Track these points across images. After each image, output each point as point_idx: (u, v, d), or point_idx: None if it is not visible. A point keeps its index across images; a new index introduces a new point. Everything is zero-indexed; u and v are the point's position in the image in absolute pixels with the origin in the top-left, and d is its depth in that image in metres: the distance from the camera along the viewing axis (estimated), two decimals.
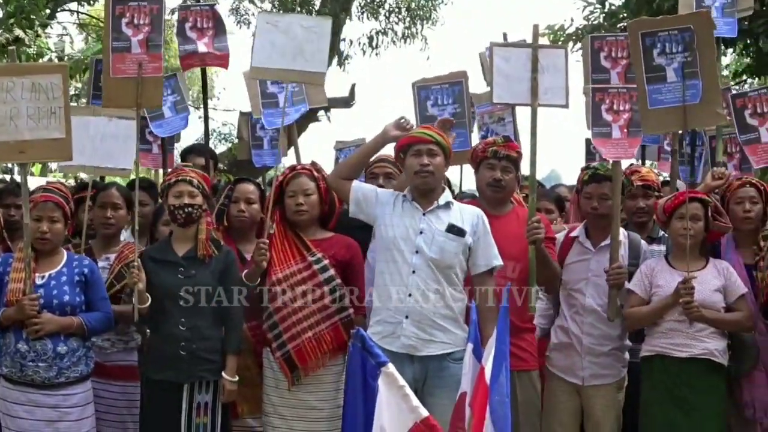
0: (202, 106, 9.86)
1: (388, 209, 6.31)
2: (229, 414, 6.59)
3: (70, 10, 19.89)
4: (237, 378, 6.45)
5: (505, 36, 7.56)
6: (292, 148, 9.65)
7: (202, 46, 8.26)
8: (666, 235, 7.06)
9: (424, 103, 7.72)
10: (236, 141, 17.30)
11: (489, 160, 6.65)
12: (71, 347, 6.26)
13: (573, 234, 7.03)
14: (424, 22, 21.64)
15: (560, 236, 7.05)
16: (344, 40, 20.42)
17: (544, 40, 7.94)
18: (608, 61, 7.14)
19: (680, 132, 8.79)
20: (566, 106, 6.90)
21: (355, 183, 6.51)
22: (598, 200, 6.83)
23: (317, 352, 6.44)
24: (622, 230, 6.89)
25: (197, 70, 9.88)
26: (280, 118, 8.16)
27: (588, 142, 10.52)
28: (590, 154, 10.59)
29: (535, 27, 6.93)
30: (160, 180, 8.80)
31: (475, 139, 7.94)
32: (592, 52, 7.15)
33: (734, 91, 7.07)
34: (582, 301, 6.81)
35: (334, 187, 6.60)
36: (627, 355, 6.91)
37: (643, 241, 7.05)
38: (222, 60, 8.77)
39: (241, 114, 9.92)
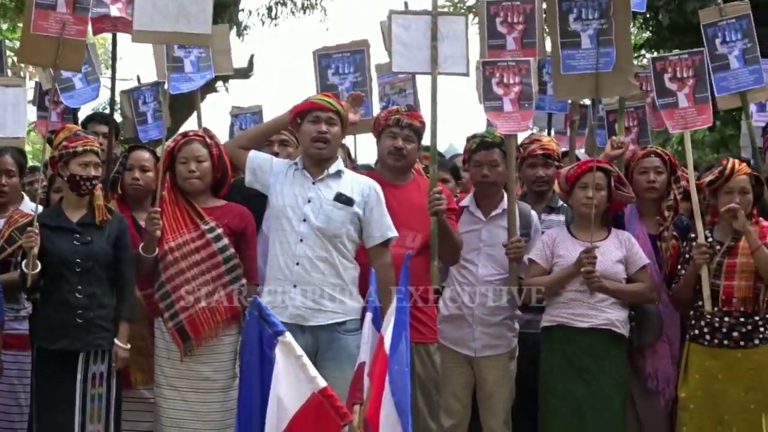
0: (102, 75, 9.60)
1: (281, 178, 6.21)
2: (122, 384, 6.44)
3: None
4: (129, 345, 6.31)
5: (406, 5, 7.44)
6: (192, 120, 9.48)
7: (114, 10, 7.98)
8: (565, 205, 7.04)
9: (325, 72, 7.62)
10: None
11: (391, 129, 6.55)
12: None
13: (463, 203, 6.97)
14: None
15: None
16: (243, 10, 20.17)
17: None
18: (504, 27, 7.16)
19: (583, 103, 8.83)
20: (467, 74, 6.83)
21: (252, 152, 6.37)
22: (488, 167, 6.79)
23: (210, 323, 6.30)
24: None
25: (96, 42, 9.63)
26: (185, 83, 7.99)
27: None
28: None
29: None
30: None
31: (377, 109, 7.82)
32: (488, 18, 7.16)
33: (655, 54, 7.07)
34: (474, 272, 6.77)
35: (231, 156, 6.46)
36: (517, 325, 6.90)
37: (533, 211, 7.04)
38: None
39: (122, 92, 9.68)
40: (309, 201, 6.08)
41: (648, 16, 14.96)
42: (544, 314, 6.63)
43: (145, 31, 6.87)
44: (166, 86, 7.60)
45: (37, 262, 6.13)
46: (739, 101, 7.56)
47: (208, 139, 6.57)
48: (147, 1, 6.76)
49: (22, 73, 14.36)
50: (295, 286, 5.99)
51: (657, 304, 6.72)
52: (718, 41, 7.37)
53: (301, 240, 6.01)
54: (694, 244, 6.47)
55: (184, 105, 10.11)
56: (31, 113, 9.44)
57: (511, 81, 6.84)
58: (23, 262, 6.16)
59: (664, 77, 6.85)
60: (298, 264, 6.00)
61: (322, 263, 6.01)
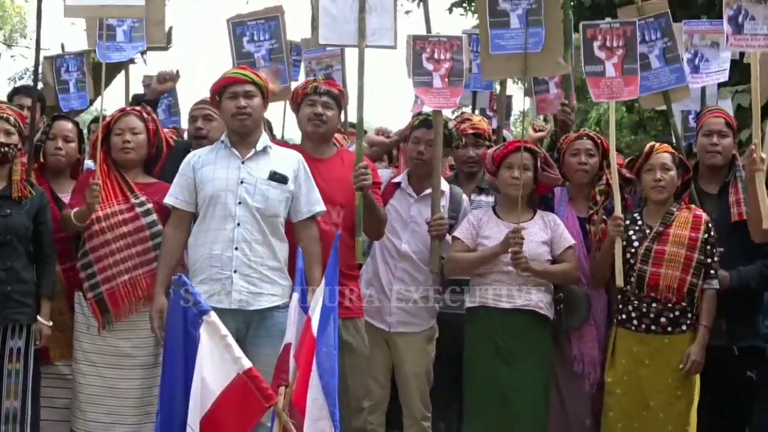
0: (16, 44, 9.38)
1: (207, 164, 6.06)
2: (40, 360, 6.35)
3: None
4: (51, 323, 6.23)
5: None
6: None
7: None
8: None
9: (240, 40, 7.47)
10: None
11: (310, 97, 6.48)
12: None
13: (395, 180, 6.96)
14: None
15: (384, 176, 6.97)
16: None
17: None
18: None
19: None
20: (394, 47, 6.76)
21: (175, 203, 6.09)
22: (425, 146, 6.77)
23: (131, 297, 6.23)
24: (444, 182, 6.85)
25: (9, 10, 9.43)
26: (116, 52, 7.85)
27: None
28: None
29: None
30: None
31: (298, 78, 7.75)
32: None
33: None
34: (398, 246, 6.76)
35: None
36: (437, 307, 6.88)
37: (464, 195, 7.02)
38: None
39: (45, 58, 9.51)
40: (242, 182, 5.97)
41: None
42: (468, 295, 6.60)
43: (77, 5, 6.76)
44: (95, 55, 7.48)
45: None
46: (662, 100, 7.61)
47: (145, 114, 6.52)
48: None
49: None
50: (235, 271, 5.89)
51: (585, 287, 6.72)
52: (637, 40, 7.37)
53: (238, 224, 5.90)
54: (609, 220, 6.51)
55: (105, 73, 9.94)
56: None
57: (442, 57, 6.77)
58: None
59: (593, 45, 6.82)
60: (236, 249, 5.90)
61: (259, 246, 5.93)
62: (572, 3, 15.90)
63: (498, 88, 8.79)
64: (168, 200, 6.09)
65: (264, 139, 6.15)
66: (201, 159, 6.11)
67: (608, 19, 7.27)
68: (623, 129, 22.44)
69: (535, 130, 7.34)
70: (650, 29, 7.38)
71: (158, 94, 7.82)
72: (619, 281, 6.37)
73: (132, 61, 8.98)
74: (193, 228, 6.11)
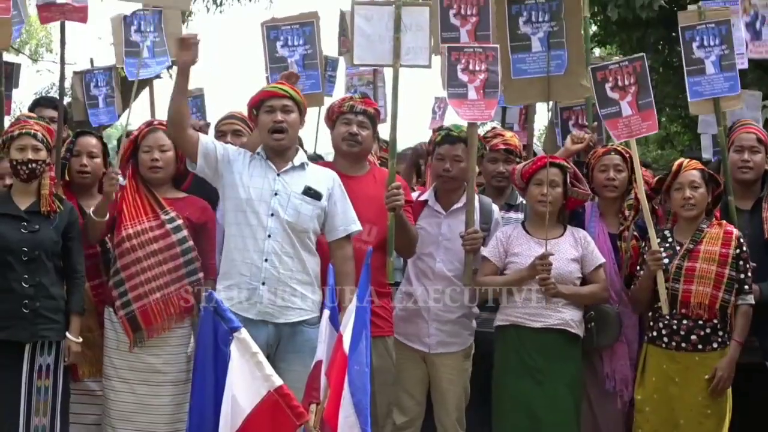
0: (41, 59, 9.42)
1: (238, 167, 6.05)
2: (69, 377, 6.33)
3: None
4: (81, 339, 6.21)
5: None
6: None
7: None
8: (524, 202, 6.97)
9: (274, 44, 7.44)
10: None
11: (345, 115, 6.46)
12: None
13: (423, 197, 6.90)
14: None
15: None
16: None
17: None
18: (458, 19, 7.02)
19: None
20: (429, 66, 6.71)
21: (202, 136, 6.17)
22: (450, 161, 6.69)
23: (163, 315, 6.21)
24: None
25: (36, 24, 9.48)
26: (142, 68, 7.87)
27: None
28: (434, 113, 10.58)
29: None
30: None
31: (332, 87, 7.73)
32: (441, 10, 7.02)
33: (594, 65, 6.95)
34: (432, 266, 6.68)
35: (176, 142, 6.25)
36: (474, 324, 6.82)
37: (494, 205, 6.96)
38: (81, 13, 8.34)
39: (75, 73, 9.55)
40: (276, 194, 5.95)
41: (596, 10, 14.98)
42: (498, 313, 6.56)
43: None
44: (126, 72, 7.49)
45: None
46: (711, 107, 7.47)
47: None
48: None
49: None
50: (263, 283, 5.86)
51: (617, 305, 6.67)
52: (695, 45, 7.28)
53: (269, 236, 5.88)
54: (647, 250, 6.45)
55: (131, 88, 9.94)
56: None
57: (477, 68, 6.67)
58: None
59: (605, 87, 6.75)
60: (266, 260, 5.87)
61: (289, 259, 5.90)
62: (599, 17, 15.90)
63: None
64: (201, 135, 6.14)
65: (301, 156, 6.15)
66: (240, 158, 6.10)
67: (616, 59, 7.20)
68: (650, 144, 22.39)
69: (574, 142, 7.26)
70: (710, 35, 7.27)
71: (187, 65, 7.54)
72: (665, 309, 6.31)
73: (157, 75, 8.98)
74: (225, 231, 6.10)
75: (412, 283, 6.73)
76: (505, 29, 6.76)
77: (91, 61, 10.04)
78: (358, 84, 8.64)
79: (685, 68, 7.26)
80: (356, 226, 6.09)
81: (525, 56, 6.72)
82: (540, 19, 6.71)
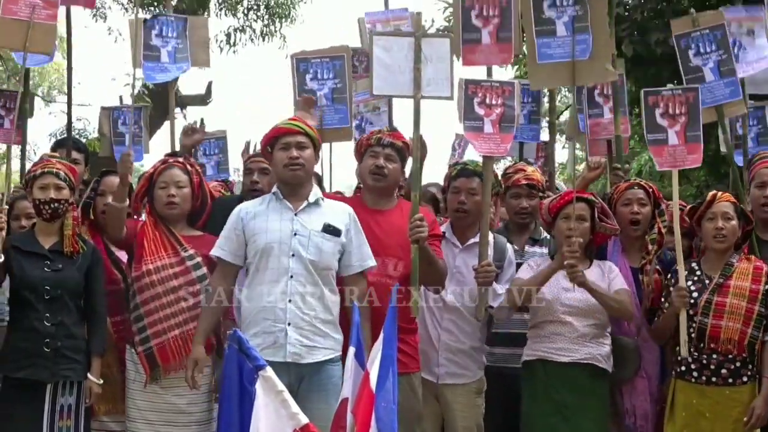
0: (54, 101, 9.42)
1: (252, 221, 5.97)
2: (89, 416, 6.29)
3: None
4: (102, 381, 6.18)
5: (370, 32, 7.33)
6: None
7: None
8: (548, 237, 6.95)
9: (303, 77, 7.43)
10: (91, 136, 16.75)
11: (373, 148, 6.42)
12: None
13: (440, 229, 6.82)
14: (283, 20, 21.33)
15: None
16: (208, 16, 20.01)
17: None
18: (479, 20, 7.05)
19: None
20: (450, 97, 6.61)
21: (233, 259, 6.01)
22: (465, 195, 6.69)
23: (182, 352, 6.14)
24: None
25: (48, 67, 9.47)
26: (160, 73, 7.84)
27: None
28: (454, 149, 10.55)
29: (418, 15, 6.70)
30: (13, 155, 8.40)
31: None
32: (462, 11, 7.08)
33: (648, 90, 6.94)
34: (443, 297, 6.63)
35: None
36: (484, 359, 6.79)
37: (509, 244, 6.91)
38: None
39: (103, 109, 9.55)
40: (295, 234, 5.89)
41: None
42: (525, 348, 6.52)
43: None
44: (143, 75, 7.50)
45: (2, 254, 6.00)
46: (714, 115, 7.44)
47: (188, 166, 6.45)
48: None
49: None
50: (289, 324, 5.79)
51: (636, 339, 6.61)
52: (691, 53, 7.30)
53: (292, 276, 5.82)
54: (673, 288, 6.39)
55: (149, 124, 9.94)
56: None
57: (494, 102, 6.67)
58: None
59: (655, 112, 6.73)
60: (290, 301, 5.81)
61: (312, 299, 5.84)
62: (613, 54, 15.88)
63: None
64: (215, 252, 6.02)
65: (316, 192, 6.09)
66: (251, 211, 6.03)
67: (670, 86, 7.21)
68: (665, 179, 22.33)
69: (591, 168, 7.22)
70: (705, 41, 7.30)
71: (188, 148, 7.69)
72: (684, 352, 6.25)
73: (174, 117, 8.90)
74: (246, 281, 6.02)
75: (423, 312, 6.63)
76: (530, 14, 6.74)
77: (120, 99, 10.07)
78: (364, 110, 8.59)
79: (683, 77, 7.26)
80: (371, 261, 6.04)
81: (550, 41, 6.68)
82: (564, 3, 6.67)
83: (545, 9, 6.71)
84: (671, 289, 6.42)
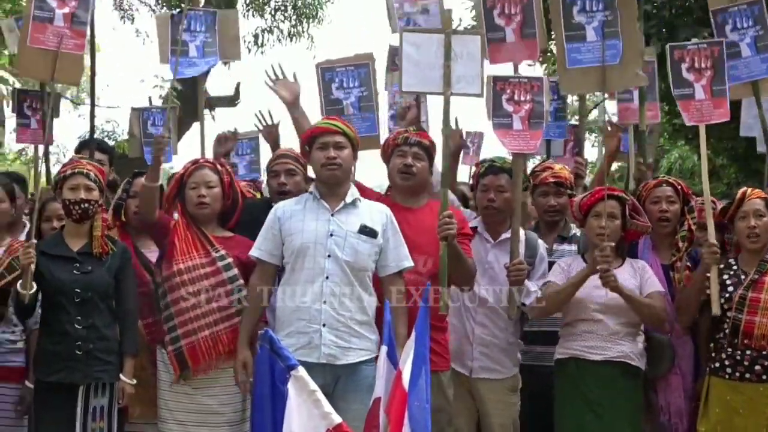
0: (83, 103, 9.44)
1: (288, 221, 5.96)
2: (123, 418, 6.31)
3: None
4: (135, 381, 6.17)
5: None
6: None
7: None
8: (578, 234, 6.94)
9: (329, 86, 7.43)
10: (119, 138, 16.78)
11: (400, 147, 6.39)
12: None
13: (472, 225, 6.79)
14: (311, 20, 21.38)
15: None
16: (237, 10, 20.02)
17: None
18: (502, 18, 7.12)
19: None
20: (480, 95, 6.58)
21: (262, 255, 6.00)
22: (495, 192, 6.68)
23: (212, 353, 6.13)
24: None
25: None
26: (188, 67, 7.84)
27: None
28: (466, 147, 10.56)
29: (448, 12, 6.67)
30: (40, 154, 8.42)
31: (383, 126, 7.69)
32: (485, 11, 7.13)
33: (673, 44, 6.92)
34: (476, 291, 6.61)
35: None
36: (519, 356, 6.77)
37: (540, 240, 6.90)
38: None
39: (133, 110, 9.59)
40: (331, 235, 5.88)
41: None
42: (558, 347, 6.50)
43: None
44: (170, 70, 7.51)
45: (33, 283, 5.96)
46: (750, 91, 7.38)
47: (218, 166, 6.44)
48: None
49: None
50: (324, 324, 5.78)
51: (669, 335, 6.58)
52: (728, 28, 7.26)
53: (327, 277, 5.81)
54: (703, 246, 6.38)
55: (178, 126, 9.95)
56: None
57: (522, 98, 6.66)
58: (18, 283, 5.99)
59: (681, 66, 6.71)
60: (325, 302, 5.79)
61: (348, 300, 5.82)
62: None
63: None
64: (254, 253, 6.01)
65: (353, 192, 6.07)
66: (287, 210, 6.02)
67: (695, 40, 7.15)
68: (695, 177, 22.25)
69: (608, 136, 7.22)
70: (742, 16, 7.24)
71: (221, 156, 7.71)
72: (716, 309, 6.22)
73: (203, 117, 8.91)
74: (284, 279, 6.01)
75: (459, 306, 6.66)
76: (560, 19, 6.74)
77: (150, 99, 10.08)
78: (399, 100, 8.55)
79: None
80: (408, 262, 6.02)
81: (580, 46, 6.71)
82: (594, 9, 6.68)
83: (575, 14, 6.73)
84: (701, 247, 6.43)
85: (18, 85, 9.86)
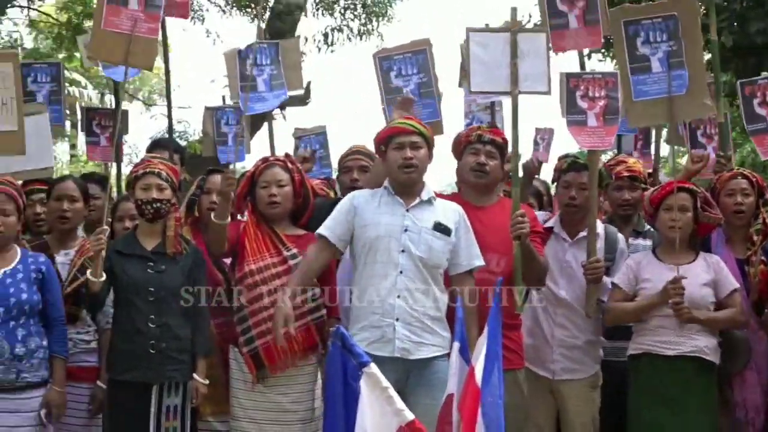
0: (154, 104, 9.48)
1: (363, 212, 5.95)
2: (195, 417, 6.32)
3: (20, 6, 19.43)
4: (208, 381, 6.18)
5: (487, 26, 7.24)
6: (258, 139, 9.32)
7: None
8: (652, 229, 6.87)
9: (387, 75, 7.39)
10: (191, 138, 16.87)
11: (473, 145, 6.36)
12: (29, 348, 5.93)
13: (548, 224, 6.80)
14: (380, 18, 21.35)
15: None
16: (299, 36, 20.05)
17: None
18: (565, 4, 7.14)
19: None
20: (548, 92, 6.53)
21: (333, 239, 5.96)
22: (576, 190, 6.64)
23: (287, 352, 6.12)
24: (598, 223, 6.68)
25: (148, 72, 9.50)
26: (258, 102, 7.87)
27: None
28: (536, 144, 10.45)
29: (513, 10, 6.59)
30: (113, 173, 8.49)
31: (445, 109, 7.66)
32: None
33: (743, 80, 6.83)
34: (555, 292, 6.61)
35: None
36: (601, 352, 6.73)
37: (620, 234, 6.84)
38: (182, 9, 8.35)
39: (206, 109, 9.63)
40: (406, 230, 5.86)
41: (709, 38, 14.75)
42: (631, 342, 6.43)
43: None
44: (241, 106, 7.51)
45: (102, 271, 5.99)
46: None
47: (289, 164, 6.43)
48: None
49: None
50: (397, 319, 5.77)
51: (745, 330, 6.50)
52: None
53: (401, 272, 5.80)
54: None
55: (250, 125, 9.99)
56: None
57: (597, 94, 6.59)
58: (88, 271, 6.03)
59: (753, 103, 6.62)
60: (399, 297, 5.78)
61: (421, 295, 5.81)
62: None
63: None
64: (321, 230, 5.98)
65: (429, 190, 6.05)
66: (363, 200, 6.01)
67: (765, 74, 7.10)
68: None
69: (694, 161, 7.10)
70: None
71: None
72: None
73: (271, 116, 8.96)
74: (354, 274, 6.01)
75: (536, 309, 6.66)
76: (624, 51, 6.66)
77: (223, 98, 10.14)
78: (475, 110, 8.53)
79: None
80: (479, 261, 6.00)
81: (645, 77, 6.60)
82: (658, 39, 6.58)
83: (639, 45, 6.64)
84: None
85: (90, 87, 9.91)
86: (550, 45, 6.84)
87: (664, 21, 6.58)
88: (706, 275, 6.30)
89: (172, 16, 8.11)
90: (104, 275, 5.98)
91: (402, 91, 7.23)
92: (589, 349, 6.64)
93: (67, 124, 10.05)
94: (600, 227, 6.68)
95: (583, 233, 6.61)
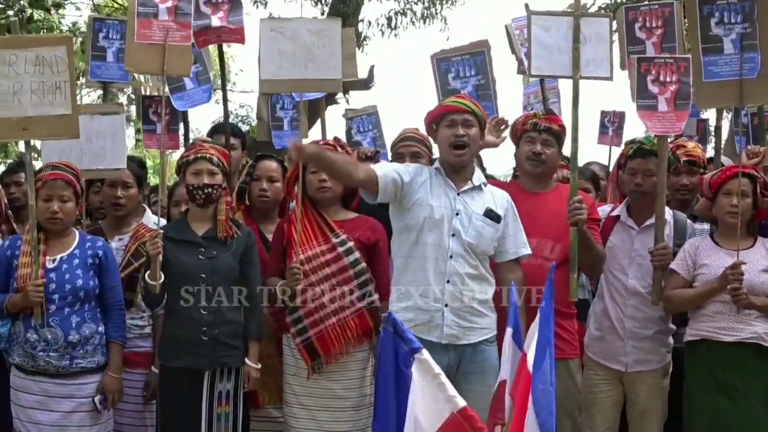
0: (219, 88, 9.49)
1: (417, 187, 5.87)
2: (249, 403, 6.32)
3: None
4: (260, 365, 6.17)
5: (527, 6, 7.16)
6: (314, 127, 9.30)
7: (216, 21, 7.86)
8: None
9: (445, 76, 7.40)
10: (254, 123, 16.90)
11: (529, 133, 6.33)
12: (84, 335, 5.96)
13: (614, 213, 6.75)
14: (444, 2, 21.32)
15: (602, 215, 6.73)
16: (363, 20, 20.10)
17: None
18: (643, 32, 6.97)
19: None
20: (611, 78, 6.50)
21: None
22: (642, 176, 6.53)
23: (341, 340, 6.11)
24: (667, 209, 6.59)
25: (213, 52, 9.55)
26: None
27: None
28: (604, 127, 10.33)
29: None
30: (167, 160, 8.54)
31: (502, 110, 7.61)
32: (626, 23, 7.01)
33: None
34: (625, 283, 6.52)
35: (358, 185, 6.03)
36: (671, 340, 6.63)
37: (689, 221, 6.75)
38: (237, 35, 8.40)
39: (262, 95, 9.63)
40: (457, 214, 5.82)
41: None
42: (688, 328, 6.33)
43: (273, 79, 6.63)
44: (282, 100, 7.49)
45: (161, 272, 6.00)
46: None
47: (339, 148, 6.38)
48: (273, 49, 6.55)
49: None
50: (446, 305, 5.73)
51: None
52: None
53: (451, 256, 5.76)
54: None
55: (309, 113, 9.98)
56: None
57: (668, 79, 6.46)
58: (146, 273, 6.05)
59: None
60: (448, 282, 5.75)
61: (471, 280, 5.77)
62: None
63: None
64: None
65: (480, 176, 6.01)
66: (419, 176, 5.92)
67: None
68: None
69: (749, 157, 6.98)
70: None
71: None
72: None
73: (335, 100, 8.98)
74: (403, 250, 5.92)
75: (604, 300, 6.57)
76: (697, 31, 6.57)
77: None
78: (534, 102, 8.46)
79: None
80: (526, 249, 5.97)
81: (717, 58, 6.51)
82: (732, 21, 6.49)
83: (712, 26, 6.55)
84: None
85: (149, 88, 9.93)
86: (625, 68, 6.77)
87: (740, 2, 6.49)
88: (765, 261, 6.18)
89: (227, 41, 8.10)
90: (162, 277, 6.01)
91: (459, 93, 7.12)
92: (660, 338, 6.55)
93: (132, 109, 10.07)
94: (669, 213, 6.60)
95: (651, 220, 6.51)
